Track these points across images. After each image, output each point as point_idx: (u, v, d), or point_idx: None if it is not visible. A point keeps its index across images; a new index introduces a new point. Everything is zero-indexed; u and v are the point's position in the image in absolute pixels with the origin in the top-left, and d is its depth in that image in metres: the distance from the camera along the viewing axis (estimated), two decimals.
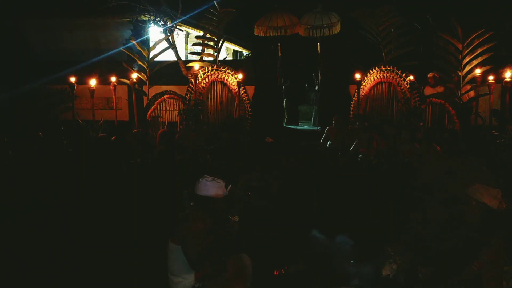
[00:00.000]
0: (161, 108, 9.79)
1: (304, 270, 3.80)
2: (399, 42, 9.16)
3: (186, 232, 3.01)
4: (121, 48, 10.19)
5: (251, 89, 10.10)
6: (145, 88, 9.91)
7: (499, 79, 8.30)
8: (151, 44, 10.22)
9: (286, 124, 12.29)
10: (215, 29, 9.72)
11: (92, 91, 8.68)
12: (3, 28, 11.33)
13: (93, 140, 7.82)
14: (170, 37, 9.66)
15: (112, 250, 4.38)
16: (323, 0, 9.80)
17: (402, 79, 9.11)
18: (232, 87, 9.70)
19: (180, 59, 9.87)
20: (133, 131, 8.16)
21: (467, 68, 8.70)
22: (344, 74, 9.91)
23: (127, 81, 9.45)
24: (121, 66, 9.68)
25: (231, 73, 9.62)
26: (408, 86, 9.04)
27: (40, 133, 6.90)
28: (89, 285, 3.92)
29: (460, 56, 8.70)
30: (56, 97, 9.93)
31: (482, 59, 8.53)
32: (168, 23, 9.54)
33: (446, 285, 2.97)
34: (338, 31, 9.65)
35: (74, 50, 11.78)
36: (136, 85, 9.46)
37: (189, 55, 13.43)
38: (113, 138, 7.28)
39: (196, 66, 9.59)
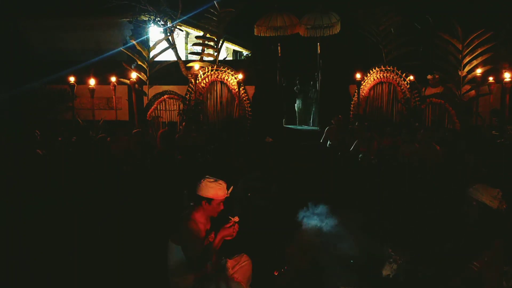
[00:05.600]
0: (161, 108, 9.79)
1: (303, 270, 3.80)
2: (399, 42, 9.16)
3: (186, 232, 3.01)
4: (121, 48, 10.18)
5: (251, 89, 10.11)
6: (145, 88, 9.92)
7: (499, 79, 8.30)
8: (151, 44, 10.22)
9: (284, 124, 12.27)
10: (215, 29, 9.72)
11: (92, 91, 8.68)
12: (3, 28, 11.32)
13: (93, 140, 7.82)
14: (170, 37, 9.66)
15: (112, 250, 4.38)
16: (323, 0, 9.80)
17: (402, 79, 9.11)
18: (232, 87, 9.70)
19: (180, 59, 9.87)
20: (133, 131, 8.16)
21: (467, 68, 8.70)
22: (344, 74, 9.92)
23: (127, 81, 9.45)
24: (121, 66, 9.68)
25: (231, 73, 9.62)
26: (408, 86, 9.04)
27: (37, 131, 6.89)
28: (89, 285, 3.92)
29: (460, 56, 8.70)
30: (56, 97, 9.92)
31: (482, 59, 8.53)
32: (168, 23, 9.54)
33: (446, 285, 2.97)
34: (338, 31, 9.65)
35: (74, 50, 11.77)
36: (136, 85, 9.46)
37: (189, 55, 13.43)
38: (108, 139, 7.29)
39: (196, 66, 9.59)
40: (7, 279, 3.91)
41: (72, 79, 8.51)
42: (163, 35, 9.83)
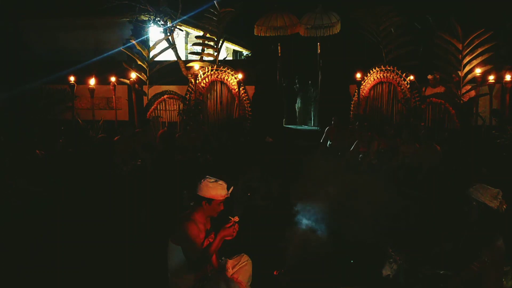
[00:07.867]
0: (161, 108, 9.79)
1: (303, 270, 3.80)
2: (399, 42, 9.16)
3: (186, 232, 3.01)
4: (121, 48, 10.18)
5: (251, 89, 10.10)
6: (145, 88, 9.91)
7: (499, 79, 8.30)
8: (151, 44, 10.22)
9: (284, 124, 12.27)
10: (215, 29, 9.72)
11: (92, 91, 8.68)
12: (3, 28, 11.32)
13: (93, 140, 7.82)
14: (170, 37, 9.66)
15: (113, 250, 4.38)
16: (323, 0, 9.80)
17: (402, 79, 9.11)
18: (232, 87, 9.70)
19: (180, 59, 9.87)
20: (136, 130, 8.15)
21: (467, 68, 8.69)
22: (344, 74, 9.91)
23: (127, 81, 9.45)
24: (121, 66, 9.67)
25: (231, 73, 9.62)
26: (408, 86, 9.04)
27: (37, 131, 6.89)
28: (89, 285, 3.92)
29: (460, 56, 8.69)
30: (56, 97, 9.92)
31: (482, 59, 8.52)
32: (168, 23, 9.54)
33: (446, 285, 2.97)
34: (338, 31, 9.65)
35: (74, 50, 11.76)
36: (136, 85, 9.45)
37: (189, 55, 13.42)
38: (115, 138, 7.28)
39: (196, 66, 9.59)
40: (8, 279, 3.91)
41: (72, 79, 8.51)
42: (163, 35, 9.82)
